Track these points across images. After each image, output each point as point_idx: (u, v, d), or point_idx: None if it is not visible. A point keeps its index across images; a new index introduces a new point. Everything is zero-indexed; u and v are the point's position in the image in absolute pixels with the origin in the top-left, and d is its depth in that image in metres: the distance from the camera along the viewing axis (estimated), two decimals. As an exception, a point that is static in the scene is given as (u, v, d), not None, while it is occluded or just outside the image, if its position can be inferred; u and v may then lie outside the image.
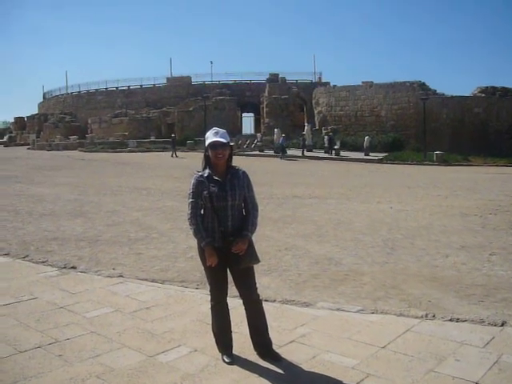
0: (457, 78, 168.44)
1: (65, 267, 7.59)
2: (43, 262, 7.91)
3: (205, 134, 4.50)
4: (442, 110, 39.79)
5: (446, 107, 39.92)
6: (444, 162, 32.34)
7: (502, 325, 5.19)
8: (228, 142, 4.33)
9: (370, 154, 36.46)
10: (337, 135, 40.84)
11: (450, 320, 5.35)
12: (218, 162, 4.31)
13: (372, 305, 6.04)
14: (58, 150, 49.98)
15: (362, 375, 4.12)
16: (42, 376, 4.14)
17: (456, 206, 14.22)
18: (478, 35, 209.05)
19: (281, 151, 36.47)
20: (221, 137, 4.29)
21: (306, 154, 38.25)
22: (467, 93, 43.05)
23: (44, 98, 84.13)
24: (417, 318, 5.44)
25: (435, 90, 42.36)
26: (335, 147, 37.66)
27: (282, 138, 37.41)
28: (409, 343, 4.75)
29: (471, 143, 36.42)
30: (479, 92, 42.12)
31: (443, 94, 42.01)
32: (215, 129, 4.39)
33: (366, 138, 37.69)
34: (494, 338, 4.85)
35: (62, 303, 5.94)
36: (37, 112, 78.69)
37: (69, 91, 76.58)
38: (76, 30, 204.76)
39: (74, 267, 7.62)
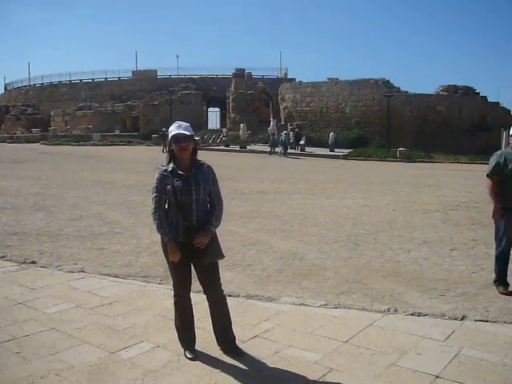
0: (420, 76, 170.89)
1: (24, 262, 7.43)
2: (2, 257, 7.74)
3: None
4: (406, 107, 40.30)
5: (409, 105, 40.44)
6: (407, 158, 32.76)
7: (462, 319, 5.28)
8: (191, 135, 4.28)
9: (335, 150, 36.72)
10: (302, 131, 40.97)
11: (412, 314, 5.42)
12: (182, 155, 4.26)
13: (335, 299, 6.07)
14: (20, 142, 48.92)
15: (325, 370, 4.14)
16: (-2, 374, 4.04)
17: (418, 202, 14.43)
18: (440, 34, 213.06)
19: (283, 148, 35.11)
20: (184, 129, 4.24)
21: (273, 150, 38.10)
22: (430, 91, 43.76)
23: (5, 89, 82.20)
24: (379, 312, 5.50)
25: (399, 88, 42.89)
26: (301, 143, 37.77)
27: (284, 135, 35.87)
28: (371, 337, 4.80)
29: (434, 140, 36.96)
30: (442, 90, 42.79)
31: (407, 92, 42.55)
32: (178, 122, 4.34)
33: (331, 134, 37.91)
34: (454, 331, 4.93)
35: (21, 299, 5.82)
36: (-2, 104, 76.88)
37: (31, 83, 75.01)
38: (39, 20, 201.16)
39: (34, 262, 7.47)
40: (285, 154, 34.92)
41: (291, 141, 39.72)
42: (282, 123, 46.61)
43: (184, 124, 4.31)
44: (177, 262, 4.23)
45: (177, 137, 4.22)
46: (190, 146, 4.28)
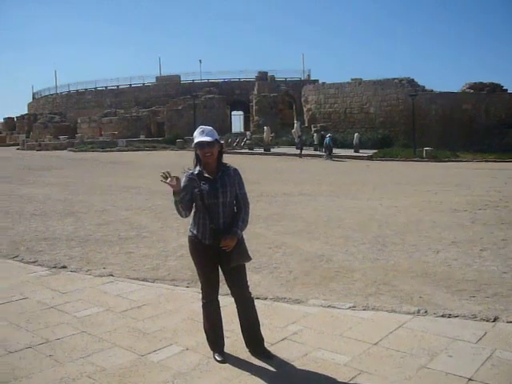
0: (445, 74, 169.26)
1: (55, 267, 7.54)
2: (33, 262, 7.86)
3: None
4: (431, 106, 39.90)
5: (434, 103, 40.04)
6: (433, 158, 32.43)
7: (495, 320, 5.20)
8: (215, 140, 4.28)
9: (360, 150, 36.52)
10: (328, 132, 40.76)
11: (442, 316, 5.36)
12: (208, 160, 4.28)
13: (363, 301, 6.04)
14: (48, 150, 49.65)
15: (355, 372, 4.12)
16: (32, 376, 4.11)
17: (446, 201, 14.27)
18: (466, 31, 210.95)
19: (328, 151, 34.32)
20: (207, 135, 4.24)
21: (297, 151, 37.83)
22: (456, 89, 43.30)
23: (33, 97, 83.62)
24: (409, 314, 5.44)
25: (424, 87, 42.49)
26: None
27: (328, 138, 35.00)
28: (401, 339, 4.75)
29: (460, 139, 36.57)
30: (468, 88, 42.30)
31: (432, 91, 42.15)
32: (201, 127, 4.35)
33: (356, 134, 37.72)
34: (486, 333, 4.86)
35: (53, 303, 5.90)
36: (26, 112, 78.13)
37: (58, 91, 76.15)
38: (64, 28, 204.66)
39: (64, 267, 7.57)
40: (330, 156, 34.16)
41: (315, 142, 39.59)
42: (306, 125, 46.51)
43: (207, 129, 4.32)
44: (203, 265, 4.30)
45: (201, 144, 4.24)
46: (215, 151, 4.29)
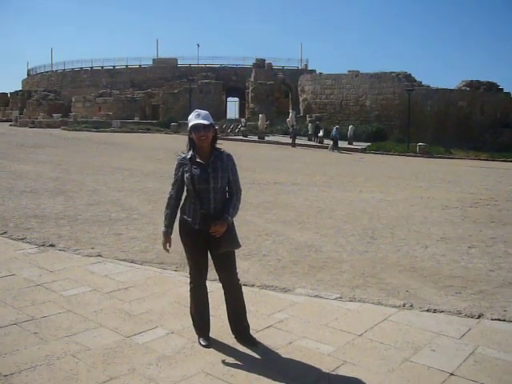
0: (442, 70, 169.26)
1: (43, 245, 7.52)
2: (22, 239, 7.83)
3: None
4: (427, 102, 39.93)
5: (430, 99, 40.07)
6: (427, 153, 32.52)
7: (479, 317, 5.24)
8: (211, 124, 4.27)
9: (354, 143, 36.54)
10: (322, 123, 40.77)
11: (428, 310, 5.39)
12: (202, 144, 4.25)
13: (350, 293, 6.06)
14: (41, 127, 49.36)
15: (338, 362, 4.14)
16: (16, 353, 4.11)
17: (437, 197, 14.32)
18: (465, 29, 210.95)
19: (334, 143, 34.03)
20: (203, 118, 4.22)
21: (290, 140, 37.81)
22: (452, 86, 43.34)
23: (28, 74, 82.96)
24: (394, 307, 5.47)
25: (420, 82, 42.47)
26: (319, 135, 37.63)
27: (334, 130, 34.88)
28: (386, 332, 4.78)
29: (454, 136, 36.66)
30: (464, 85, 42.35)
31: (428, 86, 42.14)
32: (197, 111, 4.32)
33: (350, 127, 37.71)
34: (470, 329, 4.89)
35: (40, 281, 5.89)
36: (20, 88, 77.47)
37: (53, 69, 75.61)
38: (62, 7, 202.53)
39: (52, 245, 7.55)
40: (336, 148, 33.76)
41: (309, 132, 39.58)
42: (301, 115, 46.44)
43: (203, 112, 4.29)
44: (192, 249, 4.33)
45: (196, 126, 4.21)
46: (210, 135, 4.27)
